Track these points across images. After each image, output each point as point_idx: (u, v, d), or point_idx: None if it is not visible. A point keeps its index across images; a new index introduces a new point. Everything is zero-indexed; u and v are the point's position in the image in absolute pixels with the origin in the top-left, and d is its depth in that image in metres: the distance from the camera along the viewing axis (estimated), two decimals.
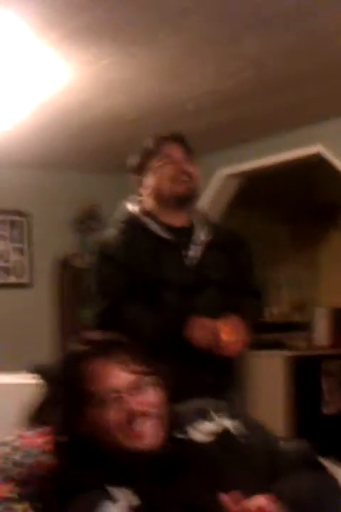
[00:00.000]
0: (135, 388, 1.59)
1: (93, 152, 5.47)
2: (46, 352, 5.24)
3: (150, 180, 2.71)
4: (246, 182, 5.74)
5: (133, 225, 2.72)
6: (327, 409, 5.65)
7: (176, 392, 1.78)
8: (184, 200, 2.70)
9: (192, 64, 3.84)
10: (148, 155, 2.71)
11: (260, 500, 1.38)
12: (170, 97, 4.30)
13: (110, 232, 2.76)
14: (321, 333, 6.12)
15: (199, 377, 2.56)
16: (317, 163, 5.30)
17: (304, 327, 6.42)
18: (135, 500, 1.46)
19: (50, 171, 5.88)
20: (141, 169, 2.74)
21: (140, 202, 2.77)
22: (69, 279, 5.82)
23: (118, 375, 1.59)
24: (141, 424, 1.56)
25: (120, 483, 1.49)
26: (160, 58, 3.73)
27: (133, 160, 2.77)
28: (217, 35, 3.50)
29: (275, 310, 6.51)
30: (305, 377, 5.61)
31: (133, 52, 3.63)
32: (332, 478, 1.64)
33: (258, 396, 5.02)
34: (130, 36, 3.45)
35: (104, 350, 1.63)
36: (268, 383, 5.53)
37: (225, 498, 1.38)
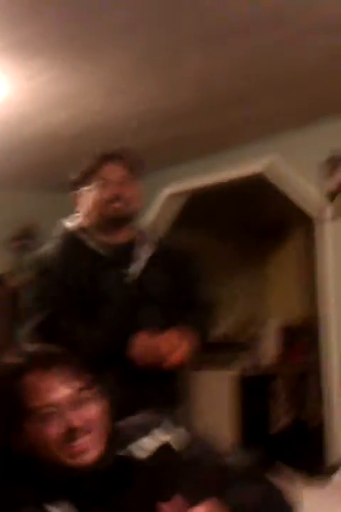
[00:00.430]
0: (75, 402, 1.53)
1: (31, 169, 5.37)
2: None
3: (86, 201, 2.70)
4: (191, 200, 5.71)
5: (70, 241, 2.70)
6: (275, 427, 5.63)
7: (118, 408, 1.73)
8: (117, 223, 2.69)
9: (134, 80, 3.79)
10: (86, 174, 2.69)
11: (203, 507, 1.33)
12: (112, 113, 4.25)
13: (47, 248, 2.73)
14: (268, 351, 6.11)
15: (141, 392, 2.53)
16: (266, 183, 5.31)
17: (251, 346, 6.41)
18: None
19: None
20: (78, 187, 2.72)
21: (78, 219, 2.75)
22: (5, 298, 5.70)
23: (58, 390, 1.53)
24: (81, 440, 1.51)
25: (58, 500, 1.44)
26: (101, 74, 3.67)
27: (72, 176, 2.74)
28: (160, 52, 3.47)
29: (221, 329, 6.47)
30: (253, 395, 5.58)
31: (74, 66, 3.56)
32: (278, 491, 1.61)
33: (205, 415, 4.96)
34: (71, 51, 3.40)
35: (43, 363, 1.56)
36: (216, 403, 5.48)
37: (165, 507, 1.32)
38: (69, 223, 2.75)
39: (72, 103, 4.08)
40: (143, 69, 3.66)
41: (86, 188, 2.68)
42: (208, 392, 5.55)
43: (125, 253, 2.68)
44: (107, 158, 2.69)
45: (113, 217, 2.66)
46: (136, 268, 2.67)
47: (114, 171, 2.66)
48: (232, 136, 4.86)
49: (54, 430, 1.50)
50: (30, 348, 1.69)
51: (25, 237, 5.85)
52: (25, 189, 5.87)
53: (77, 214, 2.76)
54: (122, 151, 2.74)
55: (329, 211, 4.60)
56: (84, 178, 2.69)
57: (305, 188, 4.77)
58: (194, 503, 1.37)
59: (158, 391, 2.58)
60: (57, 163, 5.06)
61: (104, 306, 2.61)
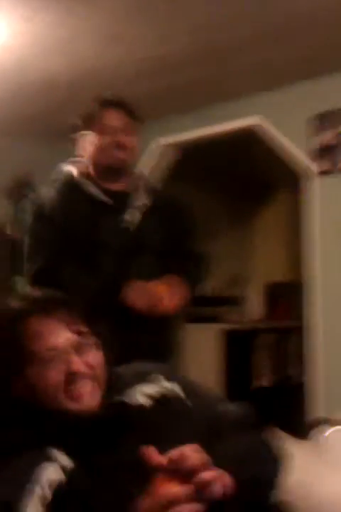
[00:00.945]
0: (76, 348, 1.53)
1: (27, 117, 5.29)
2: None
3: (86, 146, 2.68)
4: (183, 153, 5.68)
5: (70, 186, 2.68)
6: (258, 383, 5.68)
7: (112, 356, 1.74)
8: (116, 170, 2.68)
9: (131, 26, 3.74)
10: (86, 119, 2.67)
11: (184, 449, 1.31)
12: (108, 60, 4.19)
13: (47, 193, 2.71)
14: (255, 307, 6.14)
15: (135, 341, 2.55)
16: (254, 139, 5.28)
17: (238, 301, 6.44)
18: (70, 463, 1.40)
19: None
20: (78, 131, 2.70)
21: (78, 164, 2.73)
22: (3, 246, 5.67)
23: (60, 334, 1.52)
24: (81, 385, 1.51)
25: (56, 444, 1.43)
26: (97, 19, 3.62)
27: (72, 120, 2.72)
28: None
29: (209, 284, 6.50)
30: (240, 350, 5.62)
31: (70, 9, 3.50)
32: (266, 443, 1.62)
33: (191, 368, 5.00)
34: None
35: (45, 307, 1.55)
36: (203, 356, 5.52)
37: (147, 451, 1.31)
38: (69, 168, 2.73)
39: (67, 48, 4.01)
40: (140, 15, 3.61)
41: (86, 132, 2.66)
42: (194, 346, 5.59)
43: (123, 200, 2.67)
44: (108, 103, 2.67)
45: (112, 164, 2.65)
46: (133, 216, 2.67)
47: (114, 118, 2.65)
48: (226, 88, 4.81)
49: (55, 373, 1.50)
50: (31, 293, 1.68)
51: (23, 186, 5.78)
52: (22, 137, 5.77)
53: (76, 158, 2.74)
54: (122, 98, 2.72)
55: (315, 168, 4.59)
56: (85, 123, 2.67)
57: (292, 145, 4.75)
58: None
59: (151, 341, 2.59)
60: (54, 110, 5.01)
61: (101, 252, 2.61)
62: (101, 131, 2.63)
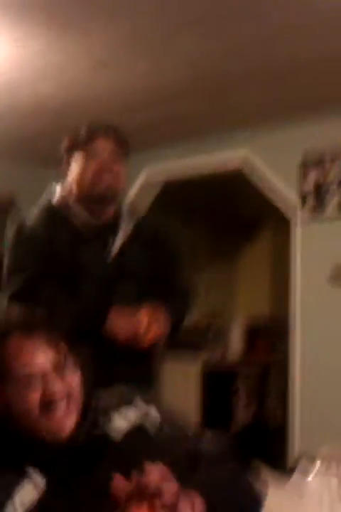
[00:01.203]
0: (55, 367, 1.53)
1: (14, 140, 5.27)
2: None
3: (75, 168, 2.67)
4: (169, 186, 5.68)
5: (53, 214, 2.67)
6: (235, 427, 5.64)
7: (92, 384, 1.72)
8: (103, 198, 2.66)
9: (123, 55, 3.73)
10: (76, 143, 2.67)
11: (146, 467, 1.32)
12: (98, 87, 4.18)
13: (29, 218, 2.70)
14: (235, 343, 6.11)
15: (115, 369, 2.51)
16: (241, 175, 5.29)
17: (219, 334, 6.41)
18: (45, 483, 1.41)
19: None
20: (67, 155, 2.69)
21: (63, 189, 2.72)
22: None
23: (40, 354, 1.52)
24: (58, 406, 1.50)
25: (31, 463, 1.44)
26: (89, 45, 3.60)
27: (64, 142, 2.72)
28: (152, 31, 3.42)
29: (193, 317, 6.46)
30: (219, 389, 5.57)
31: (62, 34, 3.48)
32: (245, 474, 1.61)
33: (171, 404, 4.95)
34: (62, 20, 3.32)
35: (24, 327, 1.55)
36: (180, 395, 5.46)
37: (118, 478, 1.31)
38: (57, 191, 2.72)
39: (57, 73, 4.00)
40: (133, 46, 3.61)
41: (75, 157, 2.66)
42: (172, 385, 5.54)
43: (106, 229, 2.66)
44: (99, 131, 2.67)
45: (97, 194, 2.63)
46: (115, 245, 2.66)
47: (104, 145, 2.65)
48: (216, 123, 4.83)
49: (35, 395, 1.49)
50: (12, 312, 1.70)
51: (5, 209, 5.74)
52: (6, 159, 5.77)
53: (63, 184, 2.73)
54: (113, 127, 2.72)
55: (300, 214, 4.60)
56: (74, 147, 2.67)
57: (278, 183, 4.76)
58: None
59: (132, 370, 2.55)
60: (41, 135, 5.00)
61: (82, 280, 2.59)
62: (90, 156, 2.62)
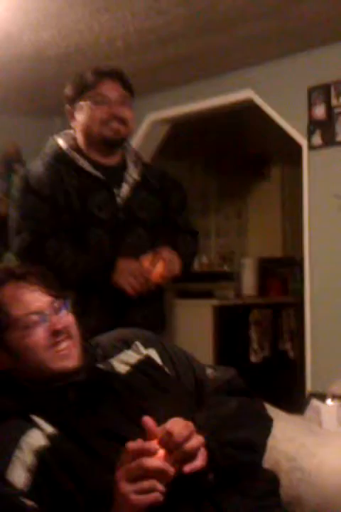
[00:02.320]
0: (54, 309, 1.58)
1: (15, 92, 5.23)
2: None
3: (81, 117, 2.61)
4: (175, 129, 5.63)
5: (60, 159, 2.62)
6: (256, 358, 5.68)
7: (103, 331, 1.75)
8: (113, 144, 2.62)
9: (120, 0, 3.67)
10: (83, 88, 2.58)
11: (170, 423, 1.34)
12: (99, 33, 4.14)
13: (36, 166, 2.64)
14: (248, 282, 6.12)
15: (127, 316, 2.55)
16: (247, 112, 5.23)
17: (231, 277, 6.42)
18: (53, 429, 1.45)
19: None
20: (73, 102, 2.61)
21: (71, 136, 2.67)
22: None
23: (38, 298, 1.57)
24: (64, 343, 1.56)
25: (39, 411, 1.48)
26: None
27: (68, 89, 2.64)
28: None
29: (203, 260, 6.48)
30: (233, 326, 5.60)
31: None
32: (256, 402, 1.65)
33: (186, 345, 4.99)
34: None
35: (18, 274, 1.60)
36: (197, 332, 5.51)
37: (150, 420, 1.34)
38: (61, 140, 2.66)
39: (56, 22, 3.96)
40: None
41: (82, 103, 2.59)
42: (189, 321, 5.58)
43: (115, 174, 2.63)
44: (105, 74, 2.59)
45: (107, 140, 2.59)
46: (124, 191, 2.64)
47: (112, 89, 2.57)
48: (220, 62, 4.77)
49: (40, 335, 1.54)
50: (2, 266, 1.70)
51: (11, 162, 5.71)
52: (10, 112, 5.72)
53: (67, 131, 2.69)
54: (117, 69, 2.65)
55: (308, 142, 4.56)
56: (80, 93, 2.58)
57: (284, 119, 4.71)
58: (170, 417, 1.37)
59: (142, 316, 2.58)
60: (43, 84, 4.95)
61: (91, 226, 2.57)
62: (97, 102, 2.55)
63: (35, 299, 1.56)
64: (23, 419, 1.46)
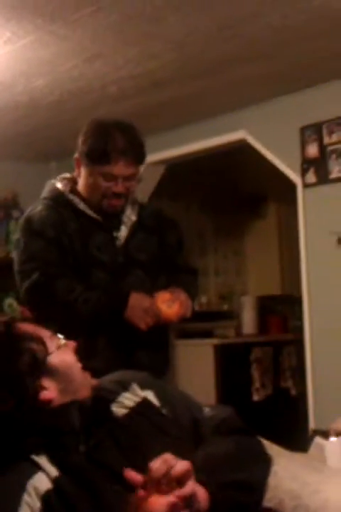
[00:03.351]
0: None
1: (10, 138, 5.28)
2: None
3: (86, 176, 2.60)
4: (170, 170, 5.68)
5: (60, 202, 2.64)
6: (258, 396, 5.66)
7: (109, 371, 1.75)
8: (110, 212, 2.63)
9: (114, 44, 3.73)
10: (96, 159, 2.53)
11: (166, 458, 1.33)
12: (92, 79, 4.20)
13: (37, 209, 2.64)
14: (248, 321, 6.12)
15: (134, 359, 2.54)
16: (241, 151, 5.28)
17: (231, 316, 6.42)
18: (56, 471, 1.46)
19: None
20: (84, 159, 2.58)
21: (69, 179, 2.69)
22: None
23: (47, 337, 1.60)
24: None
25: (41, 451, 1.49)
26: (81, 37, 3.61)
27: (82, 142, 2.59)
28: (140, 15, 3.40)
29: (203, 299, 6.48)
30: (234, 364, 5.59)
31: (53, 30, 3.50)
32: (254, 441, 1.63)
33: (188, 385, 4.97)
34: (50, 14, 3.33)
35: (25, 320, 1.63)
36: (198, 372, 5.50)
37: (154, 463, 1.32)
38: (59, 184, 2.68)
39: (50, 69, 4.02)
40: (122, 32, 3.60)
41: (90, 168, 2.57)
42: (189, 361, 5.57)
43: (113, 217, 2.64)
44: (122, 153, 2.51)
45: (105, 209, 2.60)
46: (123, 233, 2.66)
47: (124, 168, 2.53)
48: (212, 104, 4.83)
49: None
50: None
51: (9, 207, 5.76)
52: (6, 158, 5.78)
53: (66, 175, 2.70)
54: (135, 141, 2.58)
55: (305, 180, 4.60)
56: (92, 161, 2.55)
57: (278, 158, 4.75)
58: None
59: (149, 359, 2.58)
60: (37, 130, 4.99)
61: (92, 268, 2.58)
62: (106, 177, 2.54)
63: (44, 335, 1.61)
64: (28, 462, 1.47)
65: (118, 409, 1.60)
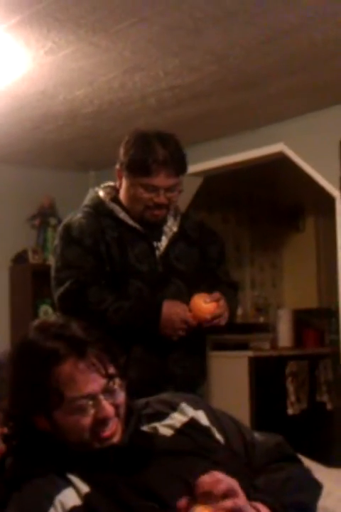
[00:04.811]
0: (108, 392, 1.53)
1: (50, 147, 5.36)
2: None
3: (127, 188, 2.60)
4: (207, 182, 5.68)
5: (101, 211, 2.64)
6: (293, 410, 5.62)
7: (144, 383, 1.74)
8: (151, 224, 2.62)
9: (154, 56, 3.76)
10: (138, 171, 2.54)
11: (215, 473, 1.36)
12: (131, 90, 4.23)
13: (77, 217, 2.65)
14: (284, 334, 6.08)
15: (167, 368, 2.54)
16: (280, 164, 5.27)
17: (267, 328, 6.39)
18: (86, 488, 1.45)
19: (5, 165, 5.73)
20: (125, 170, 2.59)
21: (111, 188, 2.69)
22: (27, 275, 5.70)
23: (92, 381, 1.51)
24: (109, 427, 1.52)
25: (75, 471, 1.48)
26: (121, 49, 3.64)
27: (124, 153, 2.59)
28: (180, 27, 3.43)
29: (239, 311, 6.45)
30: (269, 378, 5.56)
31: (94, 41, 3.54)
32: (306, 470, 1.66)
33: (222, 397, 4.95)
34: (91, 25, 3.36)
35: (79, 348, 1.52)
36: (233, 384, 5.48)
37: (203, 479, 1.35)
38: (101, 192, 2.68)
39: (90, 79, 4.06)
40: (162, 44, 3.62)
41: (132, 177, 2.57)
42: (224, 373, 5.54)
43: (155, 227, 2.64)
44: (163, 165, 2.51)
45: (147, 220, 2.60)
46: (163, 243, 2.65)
47: (165, 179, 2.53)
48: (251, 116, 4.83)
49: (87, 421, 1.50)
50: (67, 330, 1.57)
51: (46, 215, 5.82)
52: (45, 167, 5.85)
53: (110, 183, 2.71)
54: (179, 154, 2.58)
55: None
56: (133, 172, 2.55)
57: (317, 171, 4.73)
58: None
59: (182, 367, 2.58)
60: (77, 140, 5.04)
61: (131, 278, 2.58)
62: (147, 189, 2.54)
63: (90, 379, 1.50)
64: (60, 477, 1.47)
65: (165, 429, 1.59)
